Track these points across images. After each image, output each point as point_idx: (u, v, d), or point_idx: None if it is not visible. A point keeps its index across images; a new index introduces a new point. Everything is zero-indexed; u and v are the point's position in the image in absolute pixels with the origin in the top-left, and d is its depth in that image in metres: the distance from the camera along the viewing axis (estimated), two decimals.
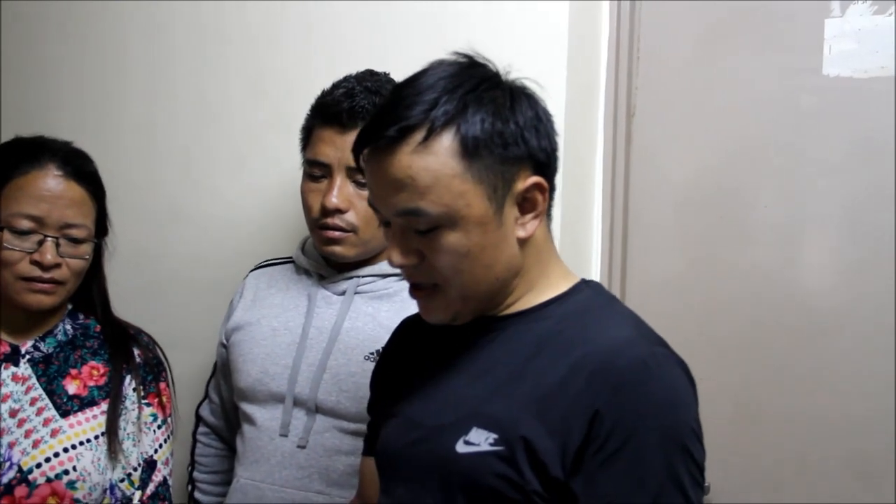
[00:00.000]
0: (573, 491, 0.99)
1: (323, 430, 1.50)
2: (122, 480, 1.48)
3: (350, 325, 1.51)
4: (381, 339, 1.47)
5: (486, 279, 1.07)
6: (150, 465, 1.51)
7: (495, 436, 1.02)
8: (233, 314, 1.64)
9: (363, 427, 1.46)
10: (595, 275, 1.77)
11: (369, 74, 1.51)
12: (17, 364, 1.46)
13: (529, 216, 1.07)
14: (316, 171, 1.50)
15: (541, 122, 1.08)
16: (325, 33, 1.82)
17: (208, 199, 1.95)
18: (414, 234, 1.05)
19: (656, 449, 0.97)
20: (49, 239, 1.40)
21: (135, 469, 1.49)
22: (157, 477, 1.52)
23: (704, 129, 1.72)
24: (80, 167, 1.45)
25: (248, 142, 1.90)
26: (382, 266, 1.54)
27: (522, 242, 1.08)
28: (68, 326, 1.51)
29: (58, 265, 1.41)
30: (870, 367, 1.60)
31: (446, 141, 1.01)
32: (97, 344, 1.52)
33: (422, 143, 1.01)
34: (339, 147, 1.47)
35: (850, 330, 1.62)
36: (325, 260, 1.58)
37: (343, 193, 1.47)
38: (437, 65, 1.07)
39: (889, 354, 1.59)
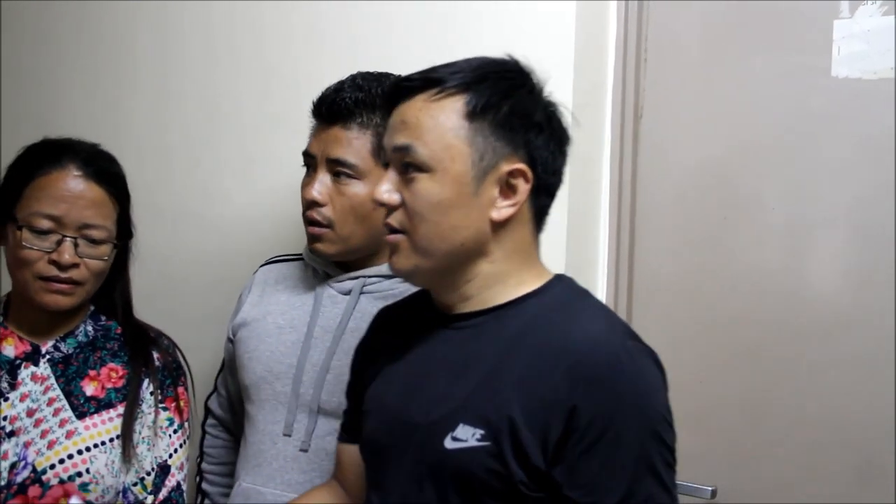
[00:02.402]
0: (555, 479, 1.05)
1: (325, 434, 1.48)
2: (135, 484, 1.47)
3: (354, 324, 1.50)
4: None
5: (450, 239, 1.13)
6: (163, 470, 1.50)
7: (482, 431, 1.08)
8: (240, 309, 1.64)
9: None
10: (602, 276, 1.76)
11: (366, 73, 1.52)
12: (36, 364, 1.46)
13: (507, 202, 1.13)
14: (306, 161, 1.52)
15: (552, 131, 1.16)
16: (333, 33, 1.83)
17: (216, 199, 1.96)
18: (402, 177, 1.14)
19: (632, 438, 1.04)
20: (67, 239, 1.40)
21: (148, 473, 1.48)
22: (171, 482, 1.50)
23: (712, 130, 1.71)
24: (101, 168, 1.46)
25: (256, 143, 1.91)
26: (388, 266, 1.52)
27: (496, 226, 1.14)
28: (89, 328, 1.52)
29: (75, 265, 1.41)
30: (877, 368, 1.58)
31: (456, 100, 1.12)
32: (117, 346, 1.52)
33: (436, 95, 1.13)
34: (321, 140, 1.48)
35: (858, 331, 1.60)
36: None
37: (322, 186, 1.47)
38: (485, 56, 1.18)
39: None
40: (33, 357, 1.47)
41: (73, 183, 1.42)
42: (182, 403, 1.54)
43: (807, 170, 1.63)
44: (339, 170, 1.47)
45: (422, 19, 1.75)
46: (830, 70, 1.60)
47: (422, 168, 1.12)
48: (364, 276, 1.53)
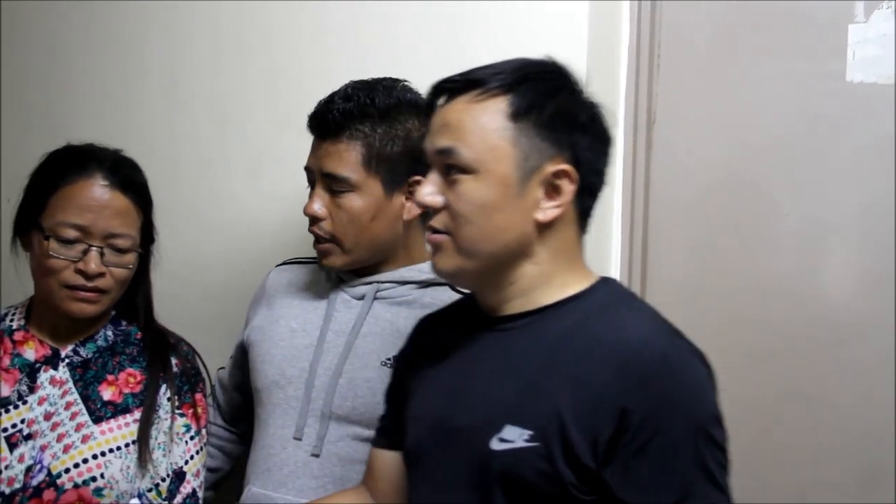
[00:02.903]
0: (605, 479, 1.03)
1: (337, 439, 1.47)
2: (149, 490, 1.46)
3: (368, 329, 1.49)
4: (399, 345, 1.45)
5: (495, 241, 1.12)
6: (178, 477, 1.49)
7: (530, 432, 1.06)
8: (255, 313, 1.64)
9: None
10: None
11: (358, 82, 1.50)
12: (55, 367, 1.46)
13: (552, 203, 1.12)
14: (308, 177, 1.52)
15: (596, 131, 1.15)
16: (342, 35, 1.81)
17: (225, 203, 1.95)
18: (445, 179, 1.13)
19: (684, 437, 1.02)
20: (94, 248, 1.41)
21: (163, 480, 1.47)
22: (186, 489, 1.49)
23: (726, 135, 1.70)
24: (127, 177, 1.46)
25: (265, 146, 1.90)
26: (402, 272, 1.52)
27: (541, 228, 1.12)
28: (110, 332, 1.52)
29: (101, 274, 1.41)
30: (889, 376, 1.56)
31: (499, 101, 1.11)
32: (136, 351, 1.52)
33: (478, 96, 1.12)
34: (316, 155, 1.48)
35: (869, 338, 1.59)
36: None
37: (321, 200, 1.48)
38: (525, 58, 1.17)
39: None
40: (53, 361, 1.47)
41: (99, 192, 1.42)
42: (200, 410, 1.54)
43: (820, 174, 1.63)
44: (333, 185, 1.47)
45: (430, 20, 1.73)
46: (843, 74, 1.60)
47: (465, 170, 1.11)
48: (377, 282, 1.52)
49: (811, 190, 1.63)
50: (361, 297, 1.52)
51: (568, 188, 1.12)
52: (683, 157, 1.73)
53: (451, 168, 1.12)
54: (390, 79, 1.50)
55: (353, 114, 1.44)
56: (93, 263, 1.40)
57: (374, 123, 1.45)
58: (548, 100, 1.12)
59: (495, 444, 1.08)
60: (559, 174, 1.11)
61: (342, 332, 1.51)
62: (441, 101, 1.16)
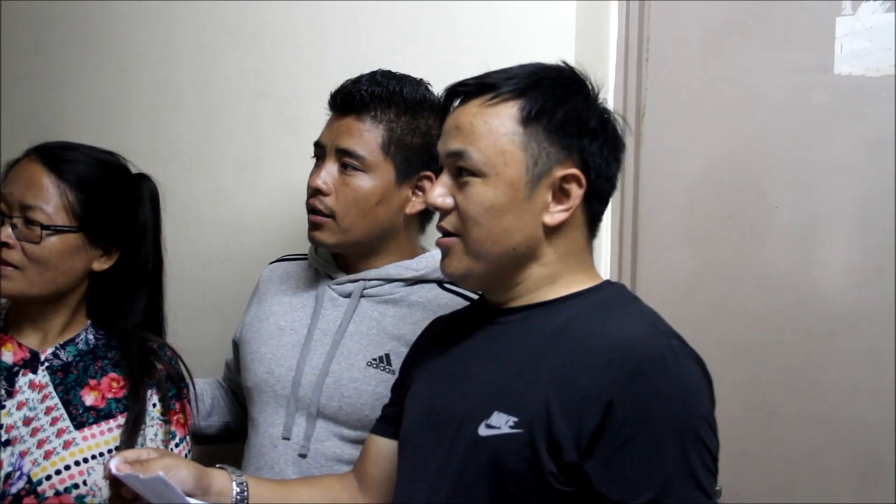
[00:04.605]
0: (586, 472, 1.04)
1: (323, 439, 1.48)
2: None
3: (354, 328, 1.50)
4: (385, 345, 1.48)
5: (502, 243, 1.15)
6: None
7: (515, 419, 1.08)
8: (247, 310, 1.64)
9: (363, 435, 1.45)
10: (605, 276, 1.77)
11: (386, 71, 1.53)
12: (35, 371, 1.42)
13: (560, 207, 1.15)
14: (316, 152, 1.52)
15: (607, 138, 1.18)
16: (333, 33, 1.84)
17: (215, 200, 1.95)
18: (456, 181, 1.17)
19: (670, 436, 1.03)
20: (6, 219, 1.39)
21: None
22: None
23: (714, 129, 1.72)
24: (61, 158, 1.42)
25: (255, 143, 1.91)
26: (389, 269, 1.52)
27: (549, 231, 1.15)
28: (91, 336, 1.48)
29: (7, 245, 1.37)
30: (882, 368, 1.57)
31: (510, 105, 1.14)
32: (120, 355, 1.47)
33: (490, 101, 1.15)
34: (333, 129, 1.49)
35: (862, 330, 1.59)
36: (334, 260, 1.58)
37: (328, 175, 1.48)
38: (540, 63, 1.20)
39: None
40: (31, 364, 1.43)
41: (24, 167, 1.42)
42: (185, 417, 1.50)
43: (811, 168, 1.64)
44: (346, 160, 1.48)
45: (424, 19, 1.77)
46: (833, 67, 1.60)
47: (475, 173, 1.14)
48: (364, 280, 1.52)
49: (802, 183, 1.64)
50: (348, 295, 1.53)
51: (576, 192, 1.14)
52: (673, 152, 1.75)
53: (462, 170, 1.15)
54: (414, 77, 1.53)
55: (382, 97, 1.47)
56: (1, 233, 1.37)
57: (399, 111, 1.48)
58: (558, 105, 1.14)
59: (482, 430, 1.10)
60: (568, 178, 1.14)
61: (329, 330, 1.51)
62: (455, 103, 1.19)
